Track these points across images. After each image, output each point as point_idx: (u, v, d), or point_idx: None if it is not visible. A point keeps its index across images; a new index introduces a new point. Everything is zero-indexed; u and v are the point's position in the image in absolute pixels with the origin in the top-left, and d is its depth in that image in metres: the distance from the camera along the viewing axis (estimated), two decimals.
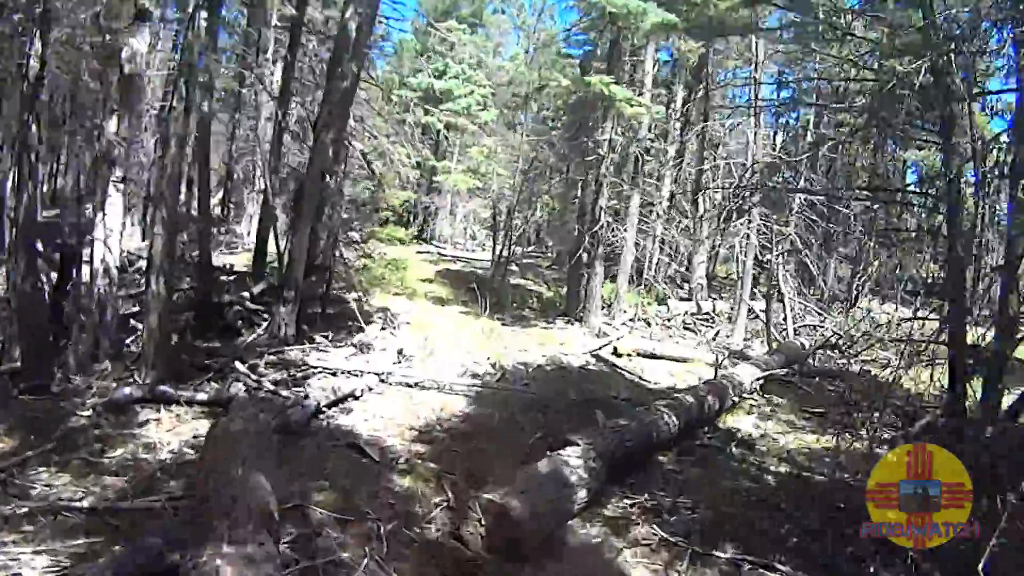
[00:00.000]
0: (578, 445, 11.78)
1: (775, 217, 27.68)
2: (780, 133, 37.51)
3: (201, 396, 13.87)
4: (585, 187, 25.46)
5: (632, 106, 22.73)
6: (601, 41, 26.33)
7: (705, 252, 31.95)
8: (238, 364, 15.34)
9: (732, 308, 29.04)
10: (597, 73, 23.95)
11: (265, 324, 18.12)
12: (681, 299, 30.97)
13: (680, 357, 21.93)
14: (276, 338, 17.53)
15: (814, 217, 29.19)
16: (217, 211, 38.05)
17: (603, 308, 25.44)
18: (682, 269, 32.82)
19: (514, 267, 35.64)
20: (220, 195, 38.63)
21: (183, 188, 18.29)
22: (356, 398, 14.76)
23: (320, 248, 20.61)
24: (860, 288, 32.77)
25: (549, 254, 45.88)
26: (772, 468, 13.68)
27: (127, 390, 13.51)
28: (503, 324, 24.31)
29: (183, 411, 13.48)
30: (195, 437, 12.24)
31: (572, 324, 24.91)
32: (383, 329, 20.30)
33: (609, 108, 23.68)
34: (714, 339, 25.76)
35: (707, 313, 28.98)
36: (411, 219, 47.23)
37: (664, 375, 20.53)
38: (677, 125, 33.84)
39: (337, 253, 21.18)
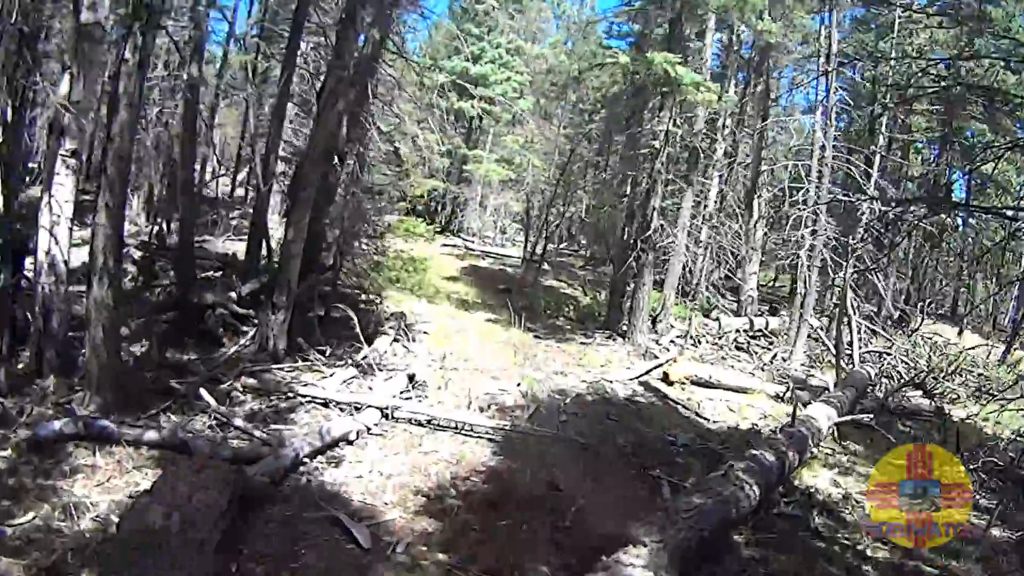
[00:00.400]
0: (644, 545, 8.26)
1: (840, 228, 24.03)
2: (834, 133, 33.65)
3: (150, 435, 10.45)
4: (635, 184, 21.77)
5: (701, 91, 19.04)
6: (660, 19, 22.43)
7: (757, 261, 28.22)
8: (204, 393, 11.85)
9: (788, 326, 25.42)
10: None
11: (252, 333, 14.68)
12: (728, 312, 27.34)
13: (739, 387, 18.34)
14: (264, 351, 14.20)
15: (881, 229, 25.51)
16: (238, 192, 34.73)
17: (650, 322, 21.77)
18: (732, 279, 29.04)
19: (546, 266, 32.25)
20: (242, 175, 35.46)
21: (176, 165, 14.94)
22: (350, 443, 11.32)
23: (328, 243, 17.28)
24: (925, 309, 29.05)
25: (583, 252, 42.32)
26: (869, 552, 10.33)
27: (56, 424, 10.16)
28: (536, 336, 20.88)
29: (127, 453, 10.11)
30: (131, 497, 8.87)
31: (614, 340, 21.39)
32: (395, 341, 16.90)
33: (668, 94, 20.10)
34: (771, 363, 22.12)
35: (760, 330, 25.33)
36: (438, 209, 43.80)
37: (723, 409, 17.00)
38: (729, 120, 30.03)
39: (347, 249, 17.77)
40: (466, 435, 12.39)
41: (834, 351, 21.22)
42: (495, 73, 41.15)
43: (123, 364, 12.05)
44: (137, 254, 19.12)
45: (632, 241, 21.55)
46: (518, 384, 15.62)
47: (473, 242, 38.50)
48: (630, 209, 21.63)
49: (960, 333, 28.78)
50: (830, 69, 24.37)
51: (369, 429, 11.75)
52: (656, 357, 19.96)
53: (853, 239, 24.02)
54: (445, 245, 37.52)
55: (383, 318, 17.95)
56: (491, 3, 42.42)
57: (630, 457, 12.79)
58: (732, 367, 21.06)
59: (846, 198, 24.11)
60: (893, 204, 23.10)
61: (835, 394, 16.84)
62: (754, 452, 11.74)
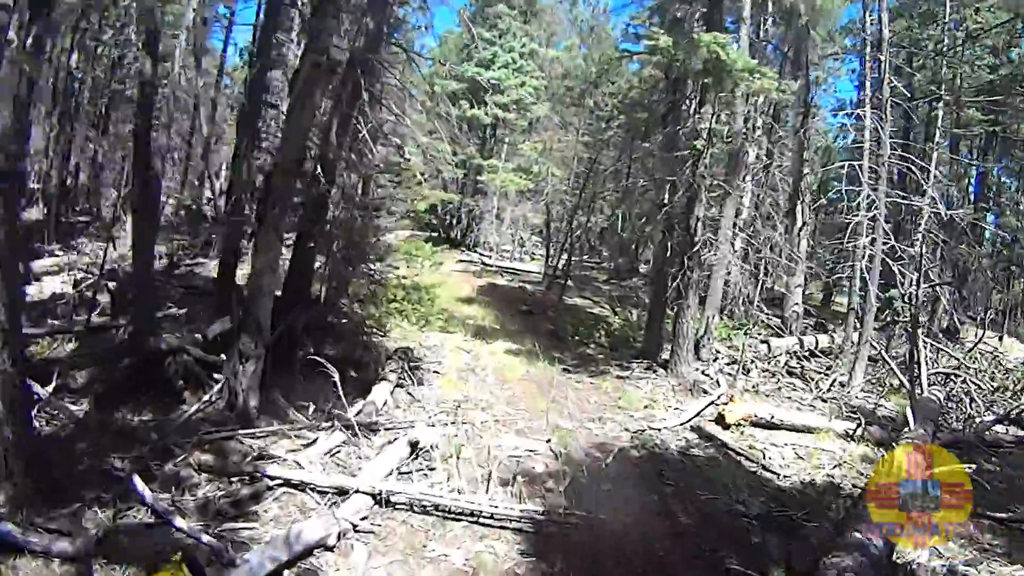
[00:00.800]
0: None
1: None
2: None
3: (61, 546, 7.47)
4: (673, 191, 18.56)
5: (756, 78, 15.77)
6: (680, 12, 19.19)
7: (803, 274, 24.90)
8: (137, 482, 8.76)
9: (840, 345, 22.20)
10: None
11: (219, 386, 11.59)
12: (772, 330, 24.10)
13: (804, 426, 15.14)
14: (232, 410, 11.13)
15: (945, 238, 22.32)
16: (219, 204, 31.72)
17: (694, 349, 18.54)
18: (771, 294, 25.69)
19: (569, 282, 29.20)
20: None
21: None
22: (329, 548, 8.21)
23: (317, 270, 14.29)
24: (984, 320, 25.67)
25: (605, 265, 39.11)
26: None
27: None
28: (564, 370, 17.76)
29: (35, 569, 7.22)
30: None
31: (654, 371, 18.17)
32: (399, 387, 13.84)
33: (711, 86, 16.96)
34: (829, 389, 18.87)
35: (811, 350, 22.03)
36: (453, 223, 40.76)
37: (790, 455, 13.83)
38: (760, 119, 26.77)
39: (342, 277, 14.75)
40: (486, 525, 9.23)
41: (901, 375, 17.94)
42: (509, 78, 38.16)
43: (36, 442, 9.00)
44: (112, 284, 16.26)
45: (673, 257, 18.39)
46: (548, 440, 12.46)
47: (490, 257, 35.43)
48: (668, 220, 18.39)
49: (1000, 340, 25.35)
50: (883, 58, 21.04)
51: (356, 526, 8.62)
52: (705, 392, 16.75)
53: (917, 246, 20.75)
54: (460, 261, 34.47)
55: (384, 358, 14.87)
56: (503, 8, 39.44)
57: (694, 540, 9.65)
58: (789, 398, 17.85)
59: (906, 201, 20.87)
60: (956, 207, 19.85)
61: (916, 432, 13.64)
62: (857, 536, 8.57)
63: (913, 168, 20.81)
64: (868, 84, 21.98)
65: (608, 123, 41.09)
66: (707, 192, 17.75)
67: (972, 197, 29.35)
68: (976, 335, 22.23)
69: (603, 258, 40.82)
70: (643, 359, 18.83)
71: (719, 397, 16.06)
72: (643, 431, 13.78)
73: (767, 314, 26.42)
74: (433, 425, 12.17)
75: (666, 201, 18.80)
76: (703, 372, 18.24)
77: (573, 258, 29.46)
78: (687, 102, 18.20)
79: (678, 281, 17.95)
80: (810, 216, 25.46)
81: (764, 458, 13.31)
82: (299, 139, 11.09)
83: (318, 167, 12.75)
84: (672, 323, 18.41)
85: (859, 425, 15.05)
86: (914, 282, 19.96)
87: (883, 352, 20.00)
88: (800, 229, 24.56)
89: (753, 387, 17.96)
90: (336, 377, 11.85)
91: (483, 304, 24.64)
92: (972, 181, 29.87)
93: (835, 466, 13.28)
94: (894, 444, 13.62)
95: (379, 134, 16.73)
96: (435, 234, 41.24)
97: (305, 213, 13.81)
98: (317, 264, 14.27)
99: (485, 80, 37.77)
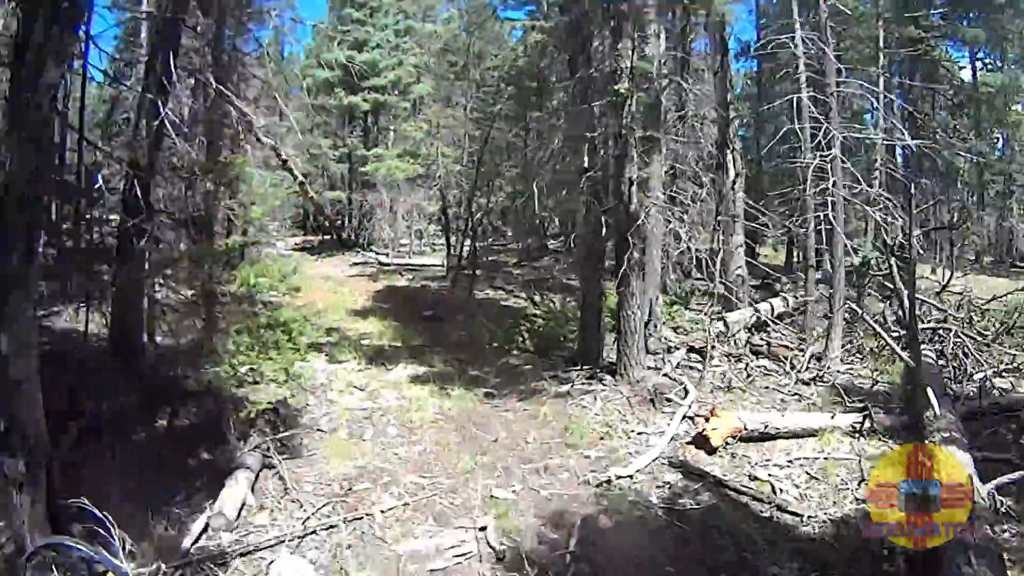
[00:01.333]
0: None
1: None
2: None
3: None
4: (593, 151, 14.56)
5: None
6: None
7: (742, 232, 21.27)
8: None
9: (799, 308, 18.98)
10: None
11: None
12: (716, 302, 20.59)
13: (804, 429, 11.59)
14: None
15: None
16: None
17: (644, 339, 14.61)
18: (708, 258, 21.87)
19: (476, 272, 25.33)
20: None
21: None
22: None
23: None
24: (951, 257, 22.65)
25: (513, 246, 35.05)
26: None
27: None
28: (488, 395, 13.82)
29: None
30: None
31: (600, 379, 14.19)
32: (267, 468, 9.57)
33: (625, 15, 13.04)
34: (807, 367, 15.41)
35: (768, 319, 18.56)
36: (344, 222, 36.12)
37: (802, 477, 10.30)
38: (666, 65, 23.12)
39: (172, 323, 10.37)
40: None
41: (891, 340, 14.47)
42: (385, 59, 33.66)
43: None
44: None
45: (604, 232, 14.49)
46: (482, 529, 8.39)
47: (387, 255, 30.96)
48: (593, 187, 14.35)
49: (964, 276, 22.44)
50: None
51: None
52: (669, 400, 12.97)
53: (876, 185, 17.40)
54: (355, 264, 30.05)
55: (247, 423, 10.49)
56: None
57: None
58: (766, 388, 14.35)
59: (860, 135, 17.51)
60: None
61: (944, 420, 10.26)
62: None
63: (868, 96, 17.44)
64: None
65: (496, 96, 37.19)
66: (638, 147, 13.78)
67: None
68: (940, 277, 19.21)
69: (508, 239, 36.77)
70: (582, 364, 14.88)
71: (691, 407, 12.35)
72: (608, 481, 9.82)
73: (703, 282, 23.02)
74: (313, 532, 7.98)
75: (586, 165, 14.83)
76: (660, 372, 14.44)
77: (478, 244, 25.32)
78: (598, 41, 14.18)
79: (615, 261, 14.04)
80: (743, 166, 21.84)
81: (775, 492, 9.63)
82: (31, 132, 6.57)
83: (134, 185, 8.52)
84: (615, 315, 14.44)
85: (865, 416, 11.75)
86: (901, 228, 16.56)
87: (867, 315, 16.58)
88: (734, 182, 20.90)
89: (726, 383, 14.27)
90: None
91: (381, 315, 20.36)
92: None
93: (859, 482, 9.80)
94: (906, 430, 11.39)
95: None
96: (327, 236, 36.58)
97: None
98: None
99: (359, 63, 33.19)
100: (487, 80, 38.31)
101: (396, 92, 33.94)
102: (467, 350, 16.65)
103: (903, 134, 19.46)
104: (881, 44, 21.13)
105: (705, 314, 18.72)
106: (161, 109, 10.60)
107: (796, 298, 20.50)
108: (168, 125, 10.47)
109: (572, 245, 33.80)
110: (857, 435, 11.48)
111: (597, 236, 14.84)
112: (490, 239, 33.89)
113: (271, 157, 31.52)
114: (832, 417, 11.98)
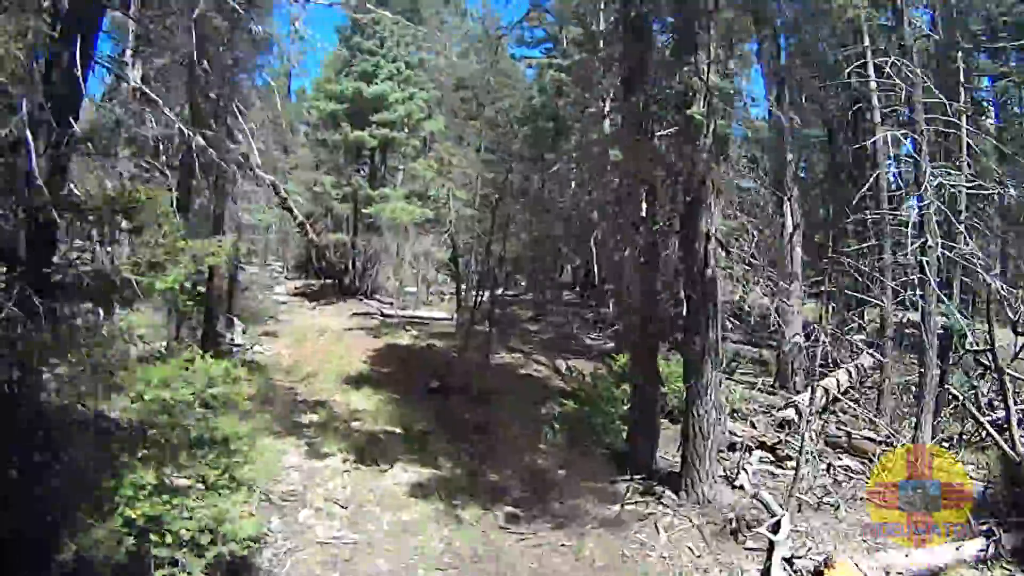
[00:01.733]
0: None
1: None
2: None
3: None
4: (652, 196, 11.06)
5: None
6: None
7: (800, 292, 17.72)
8: None
9: (872, 382, 15.60)
10: None
11: None
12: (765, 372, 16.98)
13: (931, 568, 8.19)
14: None
15: None
16: None
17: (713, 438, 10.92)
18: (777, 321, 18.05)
19: (487, 325, 21.90)
20: None
21: None
22: None
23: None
24: None
25: (525, 297, 31.49)
26: None
27: None
28: (511, 519, 10.31)
29: None
30: None
31: (659, 495, 10.64)
32: None
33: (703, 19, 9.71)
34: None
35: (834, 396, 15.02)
36: (347, 267, 32.66)
37: None
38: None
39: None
40: None
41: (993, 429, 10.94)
42: (394, 92, 30.39)
43: None
44: None
45: (661, 298, 10.99)
46: None
47: (391, 305, 27.37)
48: (648, 238, 10.82)
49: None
50: None
51: None
52: (752, 526, 9.38)
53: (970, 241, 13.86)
54: (356, 315, 26.52)
55: None
56: (383, 12, 31.66)
57: None
58: (855, 498, 10.86)
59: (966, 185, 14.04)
60: None
61: None
62: None
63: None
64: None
65: (511, 136, 34.09)
66: (715, 191, 10.27)
67: None
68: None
69: (520, 288, 33.25)
70: (632, 470, 11.29)
71: (788, 543, 8.77)
72: None
73: (743, 345, 19.52)
74: None
75: (644, 213, 11.38)
76: (733, 484, 10.86)
77: (489, 292, 21.78)
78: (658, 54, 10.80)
79: (689, 335, 10.51)
80: (801, 217, 18.25)
81: None
82: None
83: None
84: (685, 417, 10.81)
85: (992, 541, 8.46)
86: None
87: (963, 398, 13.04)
88: (791, 234, 17.34)
89: (813, 495, 10.68)
90: None
91: (378, 384, 16.81)
92: None
93: None
94: None
95: None
96: (328, 282, 33.08)
97: None
98: None
99: (367, 96, 29.99)
100: (500, 120, 35.27)
101: (405, 128, 30.62)
102: (483, 441, 13.12)
103: (998, 179, 15.93)
104: (962, 79, 17.65)
105: (759, 389, 15.24)
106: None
107: (860, 369, 17.03)
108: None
109: (586, 295, 30.57)
110: (985, 566, 8.76)
111: (652, 303, 11.32)
112: (502, 288, 30.40)
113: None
114: (958, 549, 8.61)
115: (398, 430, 13.69)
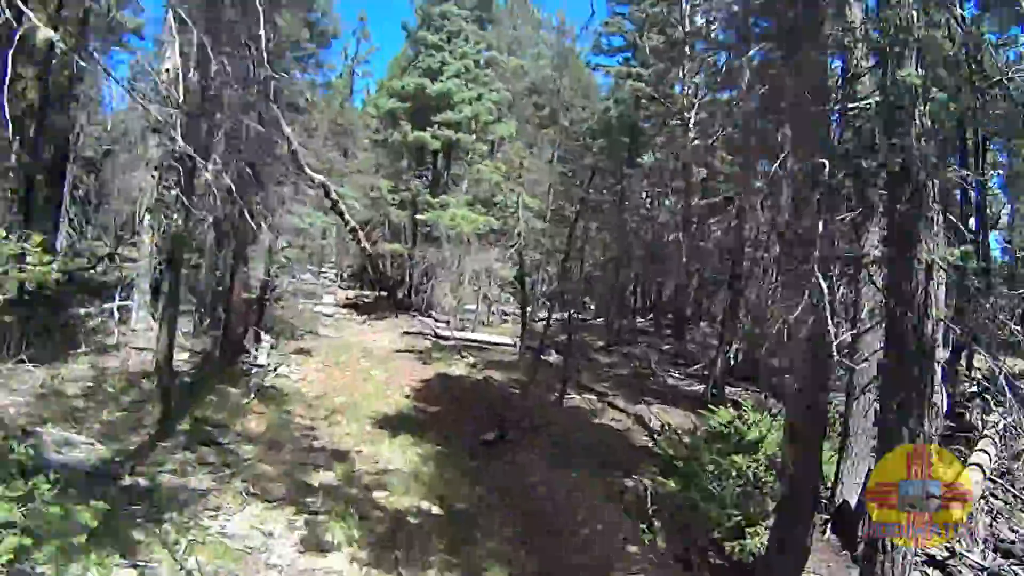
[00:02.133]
0: None
1: None
2: None
3: None
4: (826, 206, 7.02)
5: None
6: None
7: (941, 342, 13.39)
8: None
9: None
10: None
11: None
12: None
13: None
14: None
15: None
16: None
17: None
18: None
19: (554, 354, 17.97)
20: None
21: None
22: None
23: None
24: None
25: (594, 321, 27.49)
26: None
27: None
28: None
29: None
30: None
31: None
32: None
33: None
34: None
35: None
36: (402, 280, 29.09)
37: None
38: None
39: None
40: None
41: None
42: (461, 91, 26.79)
43: None
44: None
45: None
46: None
47: (446, 325, 23.61)
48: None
49: None
50: None
51: None
52: None
53: None
54: (407, 333, 22.89)
55: None
56: (452, 7, 28.18)
57: None
58: None
59: None
60: None
61: None
62: None
63: None
64: None
65: (585, 148, 30.35)
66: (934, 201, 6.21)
67: None
68: None
69: (588, 311, 29.25)
70: None
71: None
72: None
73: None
74: None
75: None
76: None
77: (571, 328, 17.91)
78: None
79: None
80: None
81: None
82: None
83: None
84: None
85: None
86: None
87: None
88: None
89: None
90: None
91: (419, 430, 13.04)
92: None
93: None
94: None
95: None
96: (381, 294, 29.52)
97: None
98: None
99: (431, 93, 26.48)
100: (575, 131, 31.55)
101: (472, 131, 26.98)
102: (552, 532, 9.16)
103: None
104: None
105: None
106: None
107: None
108: None
109: (663, 324, 26.38)
110: None
111: (821, 375, 7.27)
112: (572, 311, 26.33)
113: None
114: None
115: (436, 509, 9.85)
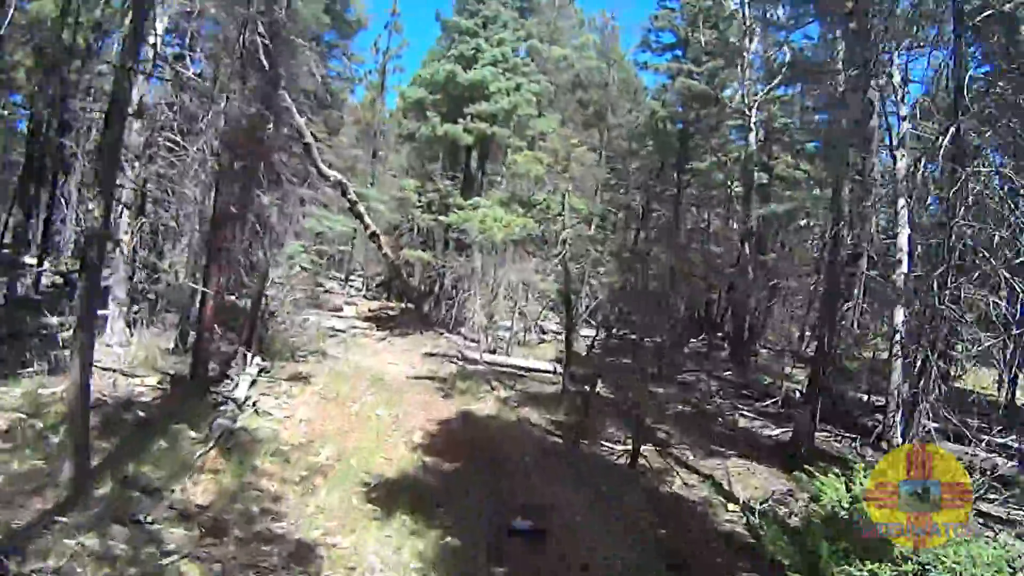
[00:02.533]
0: None
1: None
2: None
3: None
4: None
5: None
6: None
7: None
8: None
9: None
10: None
11: None
12: None
13: None
14: None
15: None
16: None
17: None
18: None
19: (600, 386, 14.15)
20: None
21: None
22: None
23: None
24: None
25: (636, 338, 23.34)
26: None
27: None
28: None
29: None
30: None
31: None
32: None
33: None
34: None
35: None
36: (429, 291, 25.34)
37: None
38: None
39: None
40: None
41: None
42: (497, 80, 23.01)
43: None
44: None
45: None
46: None
47: (476, 345, 19.65)
48: None
49: None
50: None
51: None
52: None
53: None
54: (430, 355, 19.17)
55: None
56: None
57: None
58: None
59: None
60: None
61: None
62: None
63: None
64: None
65: (631, 151, 26.60)
66: None
67: None
68: None
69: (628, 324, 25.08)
70: None
71: None
72: None
73: None
74: None
75: None
76: None
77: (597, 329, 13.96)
78: None
79: None
80: None
81: None
82: None
83: None
84: None
85: None
86: None
87: None
88: None
89: None
90: None
91: (425, 507, 9.14)
92: None
93: None
94: None
95: None
96: (407, 306, 25.73)
97: None
98: None
99: (463, 82, 22.75)
100: (619, 131, 27.73)
101: (509, 124, 23.16)
102: None
103: None
104: None
105: None
106: None
107: None
108: None
109: (714, 344, 22.20)
110: None
111: None
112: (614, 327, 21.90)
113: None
114: None
115: None
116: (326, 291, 28.70)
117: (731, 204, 26.32)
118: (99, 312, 14.30)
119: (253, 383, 13.63)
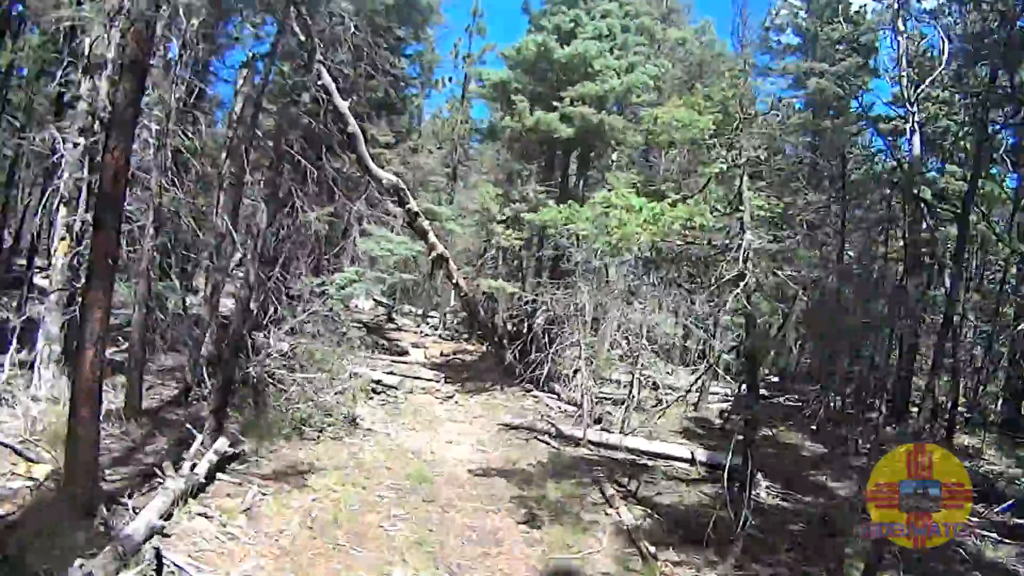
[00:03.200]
0: None
1: None
2: None
3: None
4: None
5: None
6: None
7: None
8: None
9: None
10: None
11: None
12: None
13: None
14: None
15: None
16: None
17: None
18: None
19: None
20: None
21: None
22: None
23: None
24: None
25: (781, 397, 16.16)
26: None
27: None
28: None
29: None
30: None
31: None
32: None
33: None
34: None
35: None
36: (517, 332, 18.39)
37: None
38: None
39: None
40: None
41: None
42: (604, 56, 16.42)
43: None
44: None
45: None
46: None
47: (577, 411, 12.84)
48: None
49: None
50: None
51: None
52: None
53: None
54: (508, 428, 12.49)
55: None
56: None
57: None
58: None
59: None
60: None
61: None
62: None
63: None
64: None
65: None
66: None
67: None
68: None
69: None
70: None
71: None
72: None
73: None
74: None
75: None
76: None
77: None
78: None
79: None
80: None
81: None
82: None
83: None
84: None
85: None
86: None
87: None
88: None
89: None
90: None
91: None
92: None
93: None
94: None
95: None
96: (488, 350, 19.11)
97: None
98: None
99: (559, 58, 16.29)
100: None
101: (622, 110, 16.62)
102: None
103: None
104: None
105: None
106: None
107: None
108: None
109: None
110: None
111: None
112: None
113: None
114: None
115: None
116: (397, 328, 22.67)
117: (889, 226, 20.55)
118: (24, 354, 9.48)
119: (196, 490, 7.37)
